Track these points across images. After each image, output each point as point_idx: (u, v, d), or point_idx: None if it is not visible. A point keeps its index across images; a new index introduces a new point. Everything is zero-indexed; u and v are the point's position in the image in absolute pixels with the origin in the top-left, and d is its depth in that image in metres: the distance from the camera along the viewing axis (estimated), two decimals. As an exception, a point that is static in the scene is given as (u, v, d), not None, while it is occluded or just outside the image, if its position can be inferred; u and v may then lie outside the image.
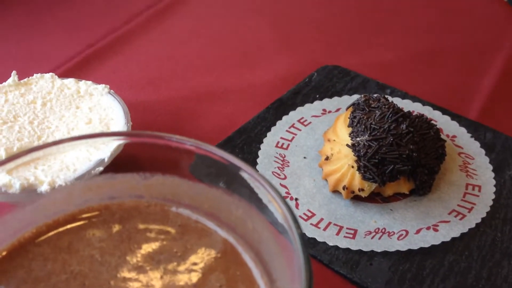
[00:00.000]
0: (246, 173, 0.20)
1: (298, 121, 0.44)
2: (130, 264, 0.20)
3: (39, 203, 0.23)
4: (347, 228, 0.36)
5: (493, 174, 0.40)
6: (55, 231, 0.21)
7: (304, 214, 0.37)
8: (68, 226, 0.22)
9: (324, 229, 0.36)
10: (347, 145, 0.37)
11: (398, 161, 0.35)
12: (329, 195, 0.38)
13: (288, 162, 0.40)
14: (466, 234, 0.36)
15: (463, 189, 0.38)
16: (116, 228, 0.22)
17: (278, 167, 0.40)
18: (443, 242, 0.35)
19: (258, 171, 0.19)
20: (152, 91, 0.48)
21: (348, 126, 0.38)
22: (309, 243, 0.35)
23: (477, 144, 0.42)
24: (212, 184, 0.22)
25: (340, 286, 0.33)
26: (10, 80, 0.40)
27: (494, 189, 0.39)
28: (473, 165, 0.40)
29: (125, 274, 0.20)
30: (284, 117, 0.44)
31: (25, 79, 0.40)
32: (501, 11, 0.59)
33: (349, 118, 0.39)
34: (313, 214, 0.37)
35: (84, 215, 0.22)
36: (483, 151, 0.42)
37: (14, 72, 0.40)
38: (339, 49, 0.54)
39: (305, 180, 0.39)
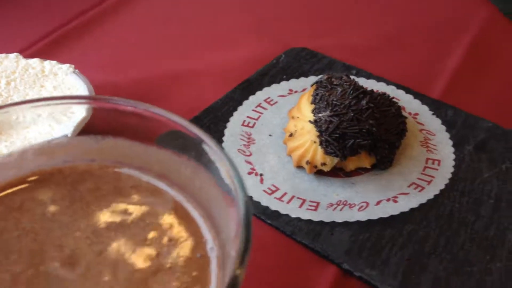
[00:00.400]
0: (193, 134, 0.21)
1: (265, 100, 0.45)
2: (82, 223, 0.21)
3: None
4: (309, 201, 0.37)
5: (453, 149, 0.41)
6: (6, 192, 0.22)
7: (269, 188, 0.37)
8: (20, 187, 0.22)
9: (288, 202, 0.37)
10: (310, 121, 0.38)
11: (359, 135, 0.36)
12: (293, 170, 0.39)
13: (254, 140, 0.41)
14: (424, 205, 0.37)
15: (423, 164, 0.40)
16: (68, 189, 0.22)
17: (244, 145, 0.41)
18: (402, 213, 0.36)
19: (205, 132, 0.19)
20: (121, 73, 0.48)
21: (311, 103, 0.39)
22: (272, 216, 0.36)
23: (439, 121, 0.43)
24: (161, 146, 0.23)
25: (302, 256, 0.34)
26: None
27: (453, 163, 0.40)
28: (434, 141, 0.42)
29: (77, 233, 0.21)
30: (251, 97, 0.45)
31: (-11, 60, 0.40)
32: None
33: (312, 95, 0.39)
34: (277, 189, 0.38)
35: (37, 177, 0.23)
36: (444, 128, 0.43)
37: (-22, 53, 0.40)
38: (307, 32, 0.55)
39: (270, 157, 0.40)
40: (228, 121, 0.43)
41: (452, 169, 0.39)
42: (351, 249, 0.34)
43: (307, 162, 0.38)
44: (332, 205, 0.36)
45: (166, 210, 0.22)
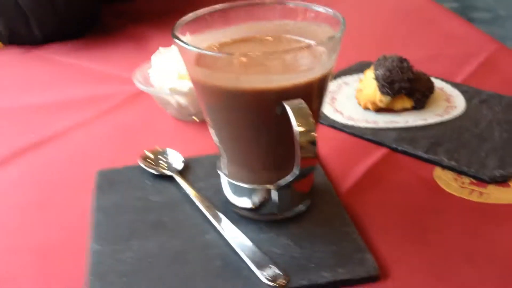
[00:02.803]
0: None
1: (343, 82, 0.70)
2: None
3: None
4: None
5: (464, 102, 0.64)
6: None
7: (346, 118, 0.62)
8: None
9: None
10: (372, 77, 0.62)
11: (401, 81, 0.61)
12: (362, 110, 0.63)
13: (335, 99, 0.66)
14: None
15: (445, 106, 0.63)
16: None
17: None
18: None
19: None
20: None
21: (374, 67, 0.64)
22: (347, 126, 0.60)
23: (457, 90, 0.67)
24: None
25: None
26: None
27: (465, 107, 0.63)
28: (452, 98, 0.65)
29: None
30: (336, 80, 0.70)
31: None
32: None
33: (373, 65, 0.64)
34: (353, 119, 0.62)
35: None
36: (459, 93, 0.66)
37: None
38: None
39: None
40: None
41: (464, 109, 0.62)
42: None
43: (372, 103, 0.62)
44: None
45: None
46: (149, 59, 0.66)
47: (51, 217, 0.50)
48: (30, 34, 0.87)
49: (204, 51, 0.41)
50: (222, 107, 0.42)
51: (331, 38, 0.41)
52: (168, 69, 0.62)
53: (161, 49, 0.66)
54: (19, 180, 0.55)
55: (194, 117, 0.64)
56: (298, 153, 0.38)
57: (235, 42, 0.46)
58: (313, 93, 0.41)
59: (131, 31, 0.92)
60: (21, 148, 0.60)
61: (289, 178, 0.42)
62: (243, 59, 0.41)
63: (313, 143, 0.38)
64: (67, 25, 0.89)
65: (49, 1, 0.84)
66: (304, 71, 0.41)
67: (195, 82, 0.43)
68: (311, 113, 0.38)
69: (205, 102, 0.43)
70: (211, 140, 0.46)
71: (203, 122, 0.63)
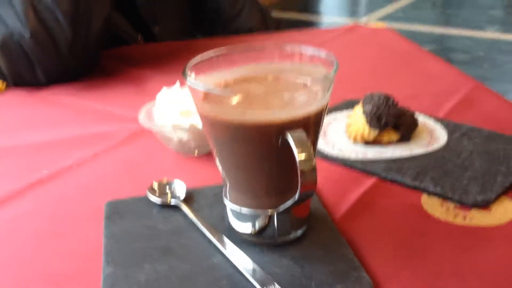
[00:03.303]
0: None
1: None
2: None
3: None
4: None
5: (446, 135, 0.69)
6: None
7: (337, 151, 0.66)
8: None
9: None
10: (362, 112, 0.67)
11: (388, 116, 0.66)
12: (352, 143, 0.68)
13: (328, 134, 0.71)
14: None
15: (429, 139, 0.68)
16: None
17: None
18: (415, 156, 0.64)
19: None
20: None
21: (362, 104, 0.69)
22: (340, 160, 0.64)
23: (438, 124, 0.72)
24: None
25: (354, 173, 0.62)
26: None
27: (447, 140, 0.68)
28: (434, 131, 0.70)
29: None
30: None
31: None
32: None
33: (361, 101, 0.70)
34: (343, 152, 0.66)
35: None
36: (442, 127, 0.71)
37: None
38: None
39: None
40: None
41: (445, 142, 0.67)
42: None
43: (361, 137, 0.67)
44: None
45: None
46: (148, 99, 0.70)
47: (63, 247, 0.53)
48: (34, 77, 0.91)
49: (214, 91, 0.46)
50: (227, 140, 0.47)
51: (325, 77, 0.46)
52: (170, 107, 0.67)
53: (164, 88, 0.71)
54: (32, 212, 0.59)
55: (195, 152, 0.68)
56: (300, 180, 0.42)
57: (237, 81, 0.51)
58: (310, 127, 0.46)
59: (130, 74, 0.97)
60: (32, 183, 0.63)
61: (289, 202, 0.46)
62: (248, 96, 0.45)
63: (313, 169, 0.42)
64: (70, 69, 0.93)
65: (53, 46, 0.89)
66: (301, 107, 0.45)
67: (203, 116, 0.47)
68: (310, 143, 0.42)
69: (211, 135, 0.48)
70: (212, 172, 0.50)
71: (203, 156, 0.67)
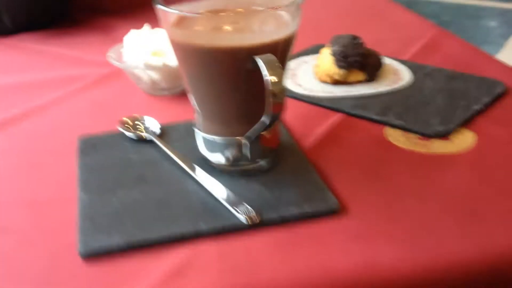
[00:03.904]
0: None
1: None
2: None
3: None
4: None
5: (410, 75, 0.71)
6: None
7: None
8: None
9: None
10: (329, 53, 0.69)
11: (355, 56, 0.67)
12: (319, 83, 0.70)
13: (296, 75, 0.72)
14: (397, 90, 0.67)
15: (394, 78, 0.70)
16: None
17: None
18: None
19: None
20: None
21: (330, 44, 0.71)
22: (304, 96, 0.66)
23: (404, 66, 0.74)
24: None
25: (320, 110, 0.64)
26: None
27: (411, 79, 0.70)
28: (399, 72, 0.72)
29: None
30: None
31: None
32: None
33: (329, 42, 0.71)
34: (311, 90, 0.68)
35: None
36: (406, 68, 0.73)
37: None
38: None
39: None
40: (281, 67, 0.74)
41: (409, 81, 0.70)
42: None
43: (329, 76, 0.69)
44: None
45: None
46: (118, 44, 0.71)
47: (40, 177, 0.54)
48: (0, 24, 0.90)
49: (185, 13, 0.47)
50: (199, 66, 0.48)
51: (292, 2, 0.47)
52: (141, 47, 0.67)
53: (132, 30, 0.71)
54: (7, 148, 0.59)
55: (166, 92, 0.69)
56: (270, 101, 0.44)
57: (208, 11, 0.52)
58: (279, 52, 0.47)
59: (99, 22, 0.96)
60: (5, 121, 0.63)
61: (257, 127, 0.48)
62: (219, 16, 0.46)
63: (282, 90, 0.44)
64: (37, 16, 0.92)
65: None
66: (271, 32, 0.46)
67: (174, 43, 0.48)
68: (280, 65, 0.44)
69: (183, 63, 0.49)
70: (184, 110, 0.51)
71: (174, 96, 0.68)
